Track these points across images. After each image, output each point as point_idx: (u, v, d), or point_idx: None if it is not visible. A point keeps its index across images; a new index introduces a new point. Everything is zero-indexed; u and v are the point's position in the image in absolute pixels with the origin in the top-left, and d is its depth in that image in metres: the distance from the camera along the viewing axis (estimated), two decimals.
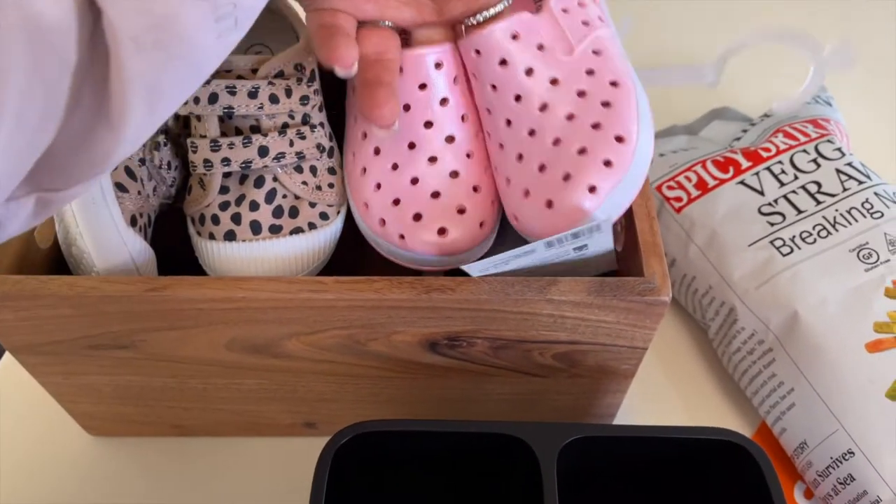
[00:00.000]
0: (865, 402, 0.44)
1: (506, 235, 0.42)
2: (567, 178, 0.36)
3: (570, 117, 0.38)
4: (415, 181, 0.39)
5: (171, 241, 0.45)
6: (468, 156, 0.40)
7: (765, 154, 0.55)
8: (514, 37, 0.38)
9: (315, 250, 0.41)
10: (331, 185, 0.42)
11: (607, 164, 0.36)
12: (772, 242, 0.50)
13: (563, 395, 0.46)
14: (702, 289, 0.53)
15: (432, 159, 0.39)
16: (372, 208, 0.40)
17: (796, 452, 0.47)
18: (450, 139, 0.40)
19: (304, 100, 0.41)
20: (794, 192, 0.52)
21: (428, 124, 0.39)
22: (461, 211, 0.39)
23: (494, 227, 0.41)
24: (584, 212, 0.36)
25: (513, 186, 0.39)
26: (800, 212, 0.51)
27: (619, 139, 0.36)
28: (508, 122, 0.39)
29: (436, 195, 0.39)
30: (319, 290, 0.38)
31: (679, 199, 0.55)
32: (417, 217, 0.39)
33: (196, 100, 0.38)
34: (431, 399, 0.47)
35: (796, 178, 0.53)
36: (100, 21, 0.23)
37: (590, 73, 0.39)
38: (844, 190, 0.51)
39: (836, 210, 0.50)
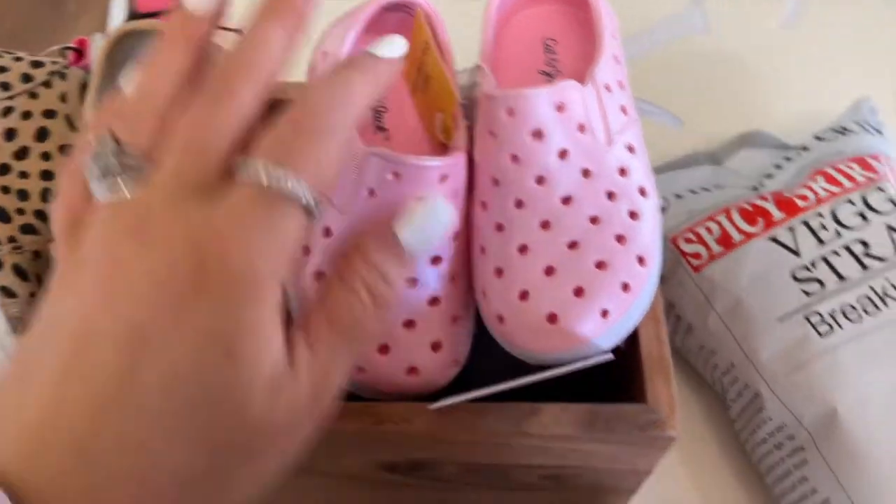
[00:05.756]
0: None
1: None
2: (579, 293, 0.30)
3: (595, 220, 0.31)
4: None
5: None
6: (452, 279, 0.33)
7: (801, 203, 0.46)
8: (559, 108, 0.31)
9: None
10: None
11: (625, 287, 0.30)
12: (807, 318, 0.42)
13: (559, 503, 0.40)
14: (723, 365, 0.45)
15: (411, 281, 0.32)
16: None
17: None
18: (436, 260, 0.33)
19: None
20: (835, 252, 0.44)
21: None
22: (436, 347, 0.32)
23: (464, 362, 0.34)
24: (588, 338, 0.30)
25: (506, 281, 0.32)
26: (842, 279, 0.43)
27: (641, 261, 0.31)
28: (519, 204, 0.32)
29: (409, 324, 0.32)
30: None
31: (698, 256, 0.47)
32: (384, 349, 0.32)
33: None
34: None
35: (839, 234, 0.44)
36: None
37: (622, 173, 0.32)
38: None
39: (887, 279, 0.42)
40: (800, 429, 0.41)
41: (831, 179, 0.47)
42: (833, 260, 0.44)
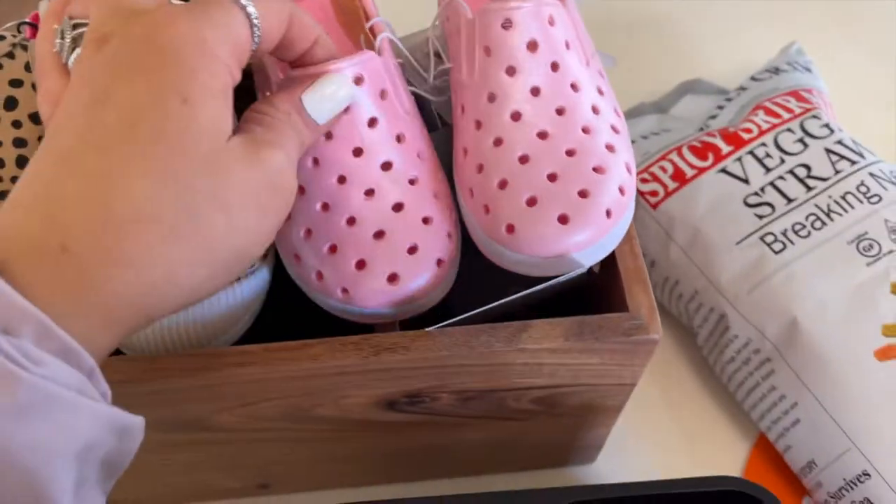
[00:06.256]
0: (880, 419, 0.40)
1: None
2: (584, 194, 0.31)
3: (586, 130, 0.33)
4: (351, 221, 0.33)
5: None
6: (411, 182, 0.34)
7: (746, 136, 0.49)
8: (550, 22, 0.33)
9: (239, 306, 0.35)
10: None
11: (621, 190, 0.32)
12: (762, 238, 0.45)
13: (545, 434, 0.41)
14: (687, 293, 0.47)
15: (369, 192, 0.33)
16: (305, 260, 0.33)
17: (803, 471, 0.43)
18: (386, 166, 0.33)
19: None
20: (781, 177, 0.47)
21: (357, 152, 0.33)
22: (412, 250, 0.33)
23: (454, 262, 0.35)
24: (605, 228, 0.32)
25: (512, 190, 0.32)
26: (790, 200, 0.46)
27: (628, 169, 0.34)
28: (516, 116, 0.33)
29: (379, 235, 0.33)
30: (245, 362, 0.32)
31: (655, 194, 0.49)
32: (361, 264, 0.32)
33: None
34: (397, 452, 0.41)
35: (783, 161, 0.47)
36: None
37: (601, 92, 0.34)
38: (836, 172, 0.46)
39: (830, 196, 0.45)
40: (764, 341, 0.43)
41: (770, 112, 0.50)
42: (780, 184, 0.47)
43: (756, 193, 0.47)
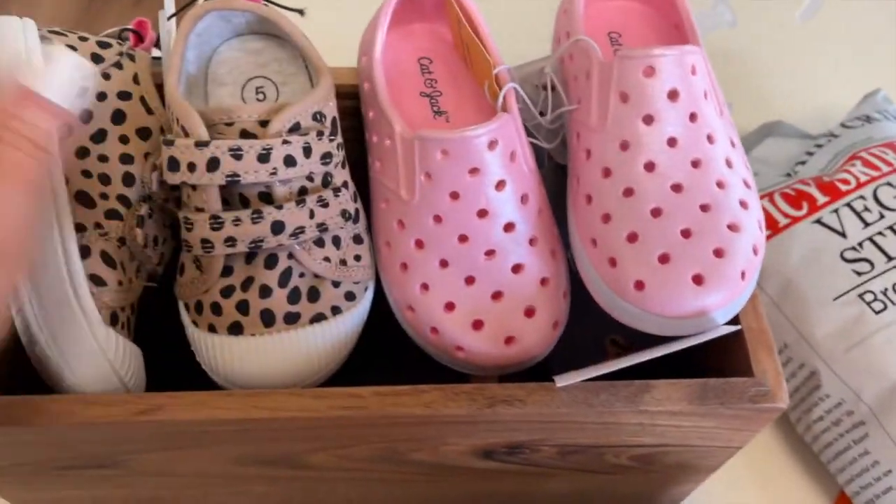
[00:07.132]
0: None
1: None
2: (719, 254, 0.30)
3: (721, 185, 0.32)
4: (470, 280, 0.31)
5: (157, 312, 0.36)
6: (531, 243, 0.32)
7: (843, 187, 0.48)
8: (693, 71, 0.32)
9: (340, 339, 0.33)
10: (357, 258, 0.34)
11: (754, 250, 0.31)
12: (861, 296, 0.43)
13: (630, 487, 0.39)
14: (775, 346, 0.46)
15: (489, 253, 0.31)
16: (420, 313, 0.32)
17: None
18: (509, 227, 0.32)
19: (326, 158, 0.32)
20: (881, 233, 0.45)
21: (482, 213, 0.31)
22: (529, 312, 0.31)
23: (566, 319, 0.33)
24: (739, 290, 0.30)
25: (642, 245, 0.31)
26: (890, 258, 0.44)
27: (760, 226, 0.32)
28: (650, 167, 0.31)
29: (497, 296, 0.31)
30: (355, 406, 0.30)
31: None
32: (477, 325, 0.31)
33: (191, 166, 0.30)
34: (478, 496, 0.40)
35: (882, 216, 0.46)
36: None
37: (732, 144, 0.33)
38: None
39: None
40: (859, 404, 0.42)
41: (868, 164, 0.49)
42: (879, 240, 0.45)
43: (854, 248, 0.45)
